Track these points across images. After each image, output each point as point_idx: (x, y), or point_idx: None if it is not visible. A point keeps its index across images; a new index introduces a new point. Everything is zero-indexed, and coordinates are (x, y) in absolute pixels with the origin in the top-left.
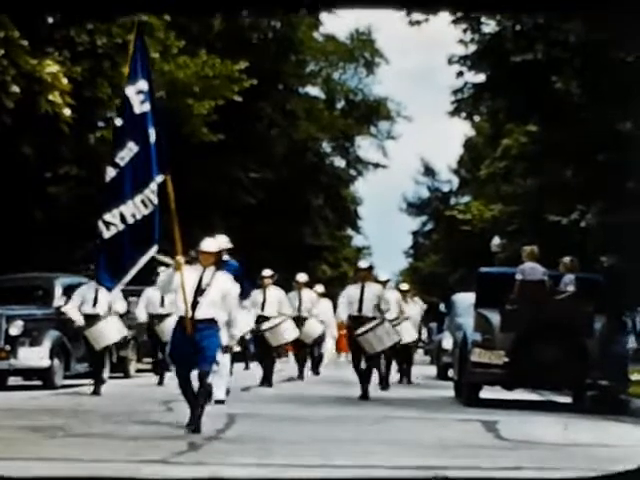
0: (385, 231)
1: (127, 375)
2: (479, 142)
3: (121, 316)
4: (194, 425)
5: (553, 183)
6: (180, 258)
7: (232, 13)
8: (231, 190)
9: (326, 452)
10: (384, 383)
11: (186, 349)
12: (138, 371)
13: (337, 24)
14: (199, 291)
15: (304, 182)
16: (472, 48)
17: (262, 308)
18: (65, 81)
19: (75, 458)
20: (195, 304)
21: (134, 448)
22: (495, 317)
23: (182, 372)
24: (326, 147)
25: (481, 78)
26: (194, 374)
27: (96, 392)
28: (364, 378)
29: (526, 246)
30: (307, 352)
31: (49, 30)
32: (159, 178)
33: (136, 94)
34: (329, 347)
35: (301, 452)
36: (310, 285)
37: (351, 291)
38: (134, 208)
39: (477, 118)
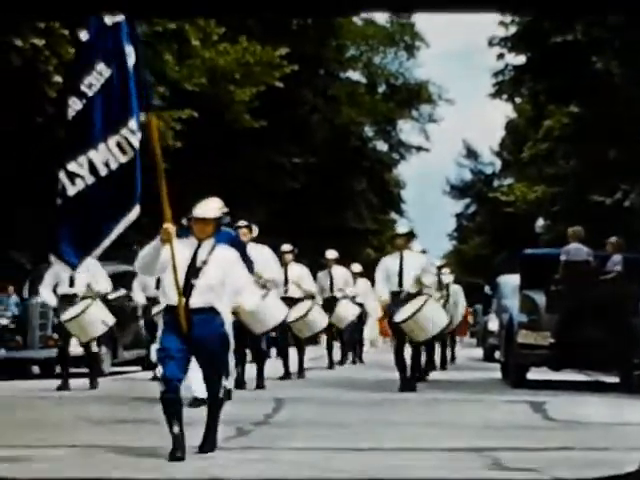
0: (428, 214)
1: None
2: (521, 124)
3: (104, 298)
4: (208, 447)
5: (596, 163)
6: (169, 226)
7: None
8: (274, 176)
9: (375, 435)
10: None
11: (180, 350)
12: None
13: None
14: (193, 271)
15: (347, 167)
16: (512, 30)
17: (285, 288)
18: None
19: (123, 445)
20: (188, 288)
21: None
22: (540, 298)
23: (171, 383)
24: (368, 131)
25: (522, 60)
26: (188, 384)
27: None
28: (408, 368)
29: (571, 227)
30: (340, 337)
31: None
32: (141, 116)
33: None
34: (371, 331)
35: (350, 436)
36: (344, 263)
37: (389, 263)
38: (107, 154)
39: (518, 100)
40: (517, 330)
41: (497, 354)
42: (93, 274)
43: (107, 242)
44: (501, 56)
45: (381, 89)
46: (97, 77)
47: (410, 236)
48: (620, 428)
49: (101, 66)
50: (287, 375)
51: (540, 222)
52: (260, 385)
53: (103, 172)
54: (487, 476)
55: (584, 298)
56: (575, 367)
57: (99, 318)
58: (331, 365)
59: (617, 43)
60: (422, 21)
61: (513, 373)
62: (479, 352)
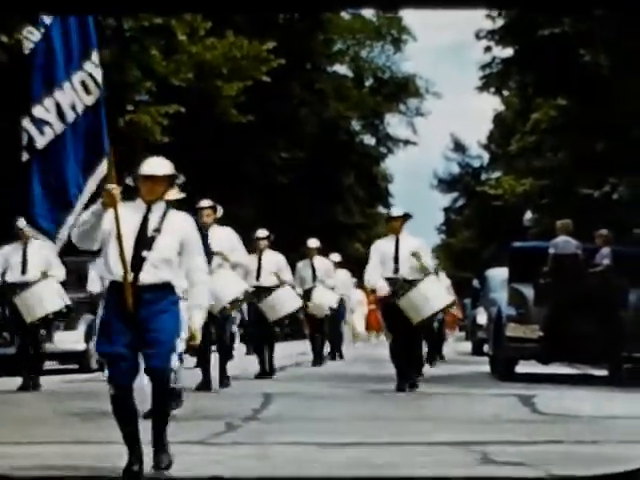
0: (416, 208)
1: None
2: (509, 117)
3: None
4: (160, 464)
5: (584, 156)
6: (113, 187)
7: (250, 11)
8: (262, 170)
9: (364, 430)
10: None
11: (125, 336)
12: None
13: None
14: (143, 241)
15: (335, 161)
16: (500, 23)
17: (257, 276)
18: None
19: (111, 440)
20: (138, 262)
21: (172, 429)
22: (529, 291)
23: (120, 379)
24: (356, 125)
25: (509, 53)
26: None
27: (33, 386)
28: (408, 363)
29: (559, 220)
30: (322, 331)
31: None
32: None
33: None
34: (357, 324)
35: (339, 430)
36: (324, 253)
37: (383, 246)
38: (73, 95)
39: (506, 93)
40: (506, 323)
41: (486, 348)
42: (47, 260)
43: (79, 206)
44: (488, 49)
45: (368, 83)
46: None
47: (406, 218)
48: (609, 421)
49: None
50: (263, 373)
51: (528, 215)
52: (224, 383)
53: (71, 117)
54: (476, 470)
55: (573, 291)
56: (564, 360)
57: (51, 294)
58: (319, 361)
59: (605, 36)
60: (409, 15)
61: (502, 367)
62: (468, 346)
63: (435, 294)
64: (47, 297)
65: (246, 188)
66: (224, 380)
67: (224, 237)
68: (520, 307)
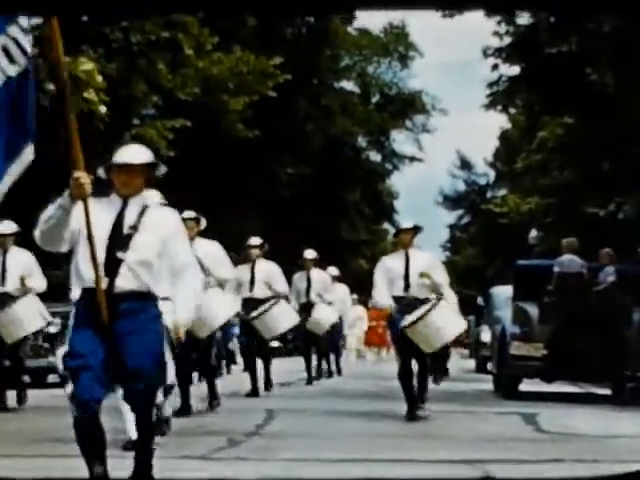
0: (422, 225)
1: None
2: (515, 135)
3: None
4: None
5: (590, 175)
6: (82, 176)
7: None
8: (267, 186)
9: (366, 447)
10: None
11: (97, 350)
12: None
13: (370, 18)
14: (119, 240)
15: (340, 177)
16: (507, 40)
17: (250, 288)
18: (100, 79)
19: (114, 455)
20: (113, 265)
21: (174, 444)
22: (533, 310)
23: (87, 405)
24: (362, 141)
25: (516, 70)
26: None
27: (19, 400)
28: (416, 390)
29: (565, 238)
30: (317, 346)
31: (83, 28)
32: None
33: None
34: (357, 341)
35: (341, 447)
36: (322, 266)
37: (391, 263)
38: None
39: (512, 111)
40: (510, 341)
41: (489, 365)
42: (28, 268)
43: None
44: (495, 67)
45: (375, 99)
46: None
47: (417, 231)
48: (612, 440)
49: None
50: (254, 392)
51: (533, 233)
52: (212, 405)
53: None
54: None
55: (577, 310)
56: (568, 379)
57: (32, 313)
58: (310, 380)
59: (612, 54)
60: (416, 31)
61: (505, 385)
62: (471, 363)
63: (446, 323)
64: (27, 319)
65: (251, 203)
66: (213, 402)
67: (209, 251)
68: (524, 325)
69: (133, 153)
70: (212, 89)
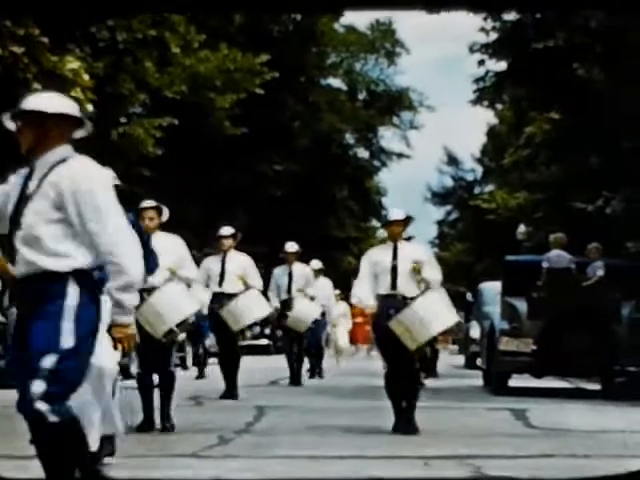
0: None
1: None
2: (502, 130)
3: None
4: None
5: (577, 170)
6: None
7: (252, 11)
8: (256, 183)
9: (357, 443)
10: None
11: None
12: None
13: (357, 15)
14: (17, 215)
15: (328, 174)
16: (493, 36)
17: (220, 282)
18: (87, 77)
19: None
20: (14, 246)
21: (165, 442)
22: (522, 305)
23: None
24: (349, 138)
25: (503, 66)
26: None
27: None
28: (405, 399)
29: (553, 234)
30: (298, 344)
31: (69, 27)
32: None
33: None
34: (339, 339)
35: (332, 443)
36: (304, 259)
37: (377, 257)
38: None
39: (499, 106)
40: (499, 337)
41: (479, 361)
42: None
43: None
44: (482, 62)
45: (362, 96)
46: None
47: (408, 222)
48: (601, 435)
49: None
50: (228, 393)
51: (522, 229)
52: (165, 427)
53: None
54: None
55: (566, 305)
56: (557, 374)
57: None
58: (294, 379)
59: (598, 49)
60: (403, 28)
61: (495, 380)
62: (461, 359)
63: (434, 314)
64: None
65: (239, 200)
66: (165, 424)
67: (170, 246)
68: (513, 321)
69: (40, 100)
70: (199, 87)
